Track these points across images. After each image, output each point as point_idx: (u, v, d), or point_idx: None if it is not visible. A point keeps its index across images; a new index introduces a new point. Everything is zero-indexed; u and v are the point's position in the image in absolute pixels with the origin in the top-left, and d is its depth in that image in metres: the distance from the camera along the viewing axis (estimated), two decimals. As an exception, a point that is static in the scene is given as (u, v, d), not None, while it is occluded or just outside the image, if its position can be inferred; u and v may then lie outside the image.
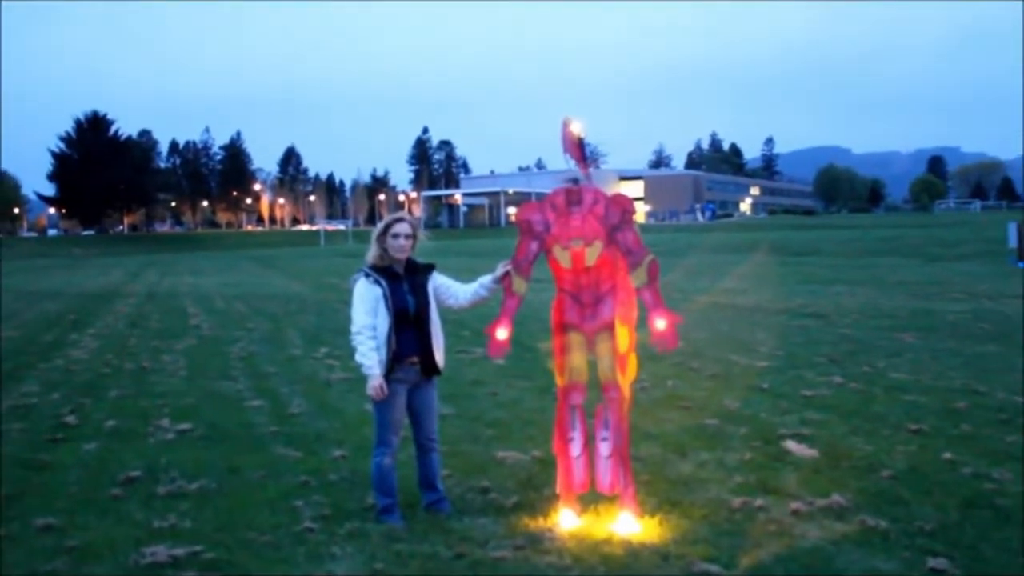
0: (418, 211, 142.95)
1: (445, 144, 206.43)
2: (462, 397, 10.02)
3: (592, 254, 5.51)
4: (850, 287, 24.85)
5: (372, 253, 5.89)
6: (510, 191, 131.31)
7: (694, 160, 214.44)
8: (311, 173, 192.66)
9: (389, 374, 5.74)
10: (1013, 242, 32.88)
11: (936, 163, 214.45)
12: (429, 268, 6.02)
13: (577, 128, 5.84)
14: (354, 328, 5.77)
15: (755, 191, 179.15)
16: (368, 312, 5.74)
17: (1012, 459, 7.04)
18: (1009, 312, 17.46)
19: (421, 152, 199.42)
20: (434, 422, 6.08)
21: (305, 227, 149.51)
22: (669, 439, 7.86)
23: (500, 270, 5.90)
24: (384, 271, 5.83)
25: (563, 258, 5.59)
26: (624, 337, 5.67)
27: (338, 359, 12.75)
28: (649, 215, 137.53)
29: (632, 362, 5.80)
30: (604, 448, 5.68)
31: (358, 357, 5.74)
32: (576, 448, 5.77)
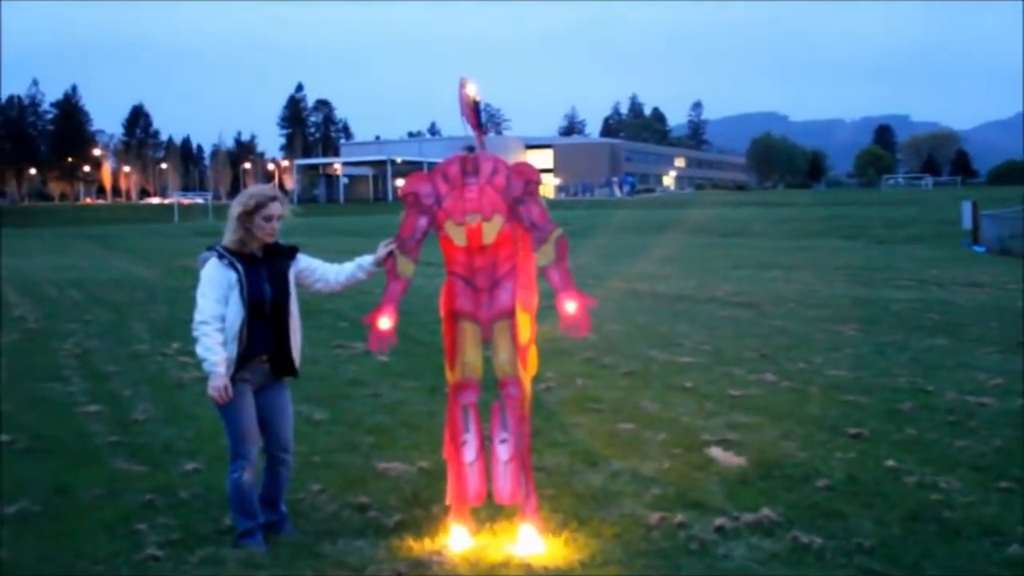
0: (291, 183, 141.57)
1: (323, 104, 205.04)
2: (338, 399, 9.97)
3: (490, 231, 5.48)
4: (786, 273, 25.38)
5: (231, 235, 5.69)
6: (398, 160, 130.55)
7: (611, 127, 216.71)
8: (163, 137, 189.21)
9: (235, 374, 5.61)
10: (967, 223, 33.94)
11: (884, 133, 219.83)
12: (292, 251, 5.91)
13: (472, 90, 5.81)
14: (199, 316, 5.56)
15: (680, 162, 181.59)
16: (219, 300, 5.57)
17: (961, 466, 7.25)
18: (962, 301, 18.02)
19: (294, 113, 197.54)
20: (289, 429, 6.01)
21: (156, 200, 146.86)
22: (578, 447, 7.92)
23: (382, 250, 5.85)
24: (240, 254, 5.67)
25: (457, 235, 5.54)
26: (525, 326, 5.67)
27: (192, 356, 12.50)
28: (559, 189, 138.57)
29: (533, 355, 5.80)
30: (503, 451, 5.65)
31: (201, 351, 5.55)
32: (470, 453, 5.73)
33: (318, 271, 6.00)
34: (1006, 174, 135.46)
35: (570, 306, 5.43)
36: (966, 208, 34.36)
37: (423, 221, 5.67)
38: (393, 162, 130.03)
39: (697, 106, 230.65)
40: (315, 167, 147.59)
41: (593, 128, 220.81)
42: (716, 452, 7.67)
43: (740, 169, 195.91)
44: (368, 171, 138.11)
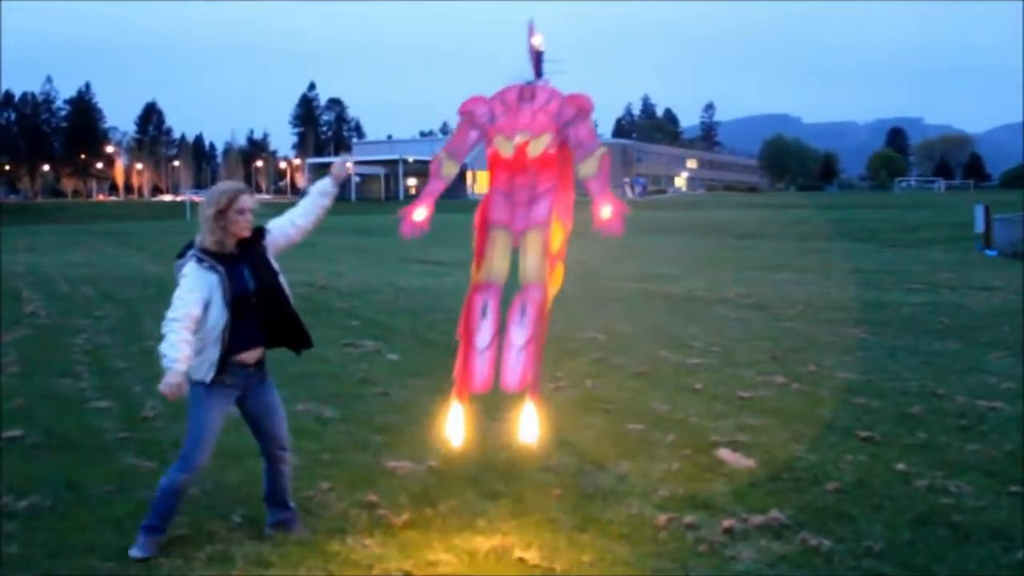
0: (303, 180, 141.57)
1: (335, 103, 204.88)
2: (348, 397, 9.98)
3: (536, 146, 5.64)
4: (797, 275, 25.33)
5: (209, 237, 5.57)
6: (410, 159, 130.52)
7: (623, 127, 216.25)
8: (175, 134, 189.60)
9: (216, 380, 5.52)
10: (980, 227, 33.83)
11: (896, 136, 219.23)
12: (261, 233, 5.79)
13: (538, 40, 5.99)
14: (171, 314, 5.39)
15: (692, 164, 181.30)
16: (197, 302, 5.43)
17: (972, 470, 7.23)
18: (973, 305, 17.97)
19: (307, 112, 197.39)
20: (283, 427, 5.95)
21: (168, 197, 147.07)
22: (586, 447, 7.92)
23: (337, 168, 5.98)
24: (219, 255, 5.55)
25: (504, 147, 5.72)
26: (557, 236, 5.79)
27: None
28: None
29: (560, 271, 5.93)
30: (517, 336, 5.61)
31: (164, 347, 5.35)
32: (484, 339, 5.72)
33: (287, 227, 5.94)
34: (1019, 178, 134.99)
35: (606, 210, 5.50)
36: (979, 212, 34.23)
37: (474, 135, 5.88)
38: (405, 161, 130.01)
39: (709, 107, 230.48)
40: (327, 165, 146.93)
41: (605, 128, 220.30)
42: (725, 454, 7.65)
43: (752, 171, 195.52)
44: (380, 170, 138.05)
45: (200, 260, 5.53)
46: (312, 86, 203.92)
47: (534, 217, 5.69)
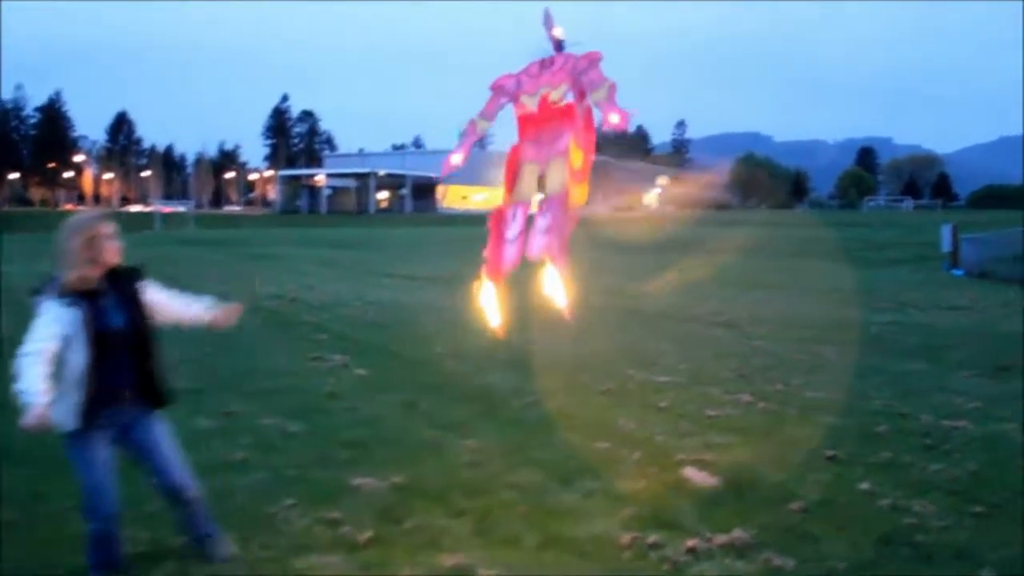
0: (273, 192, 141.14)
1: (307, 115, 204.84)
2: (315, 412, 9.92)
3: (556, 94, 6.19)
4: (767, 293, 25.40)
5: (72, 271, 5.27)
6: (381, 173, 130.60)
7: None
8: (146, 144, 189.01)
9: (84, 425, 5.20)
10: (947, 246, 34.04)
11: (866, 155, 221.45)
12: (137, 274, 5.57)
13: (559, 32, 6.45)
14: (25, 349, 5.09)
15: (663, 181, 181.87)
16: (54, 337, 5.12)
17: (935, 490, 7.27)
18: (940, 325, 18.05)
19: (279, 124, 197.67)
20: (175, 464, 5.56)
21: (137, 208, 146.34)
22: (552, 464, 7.90)
23: (222, 315, 5.89)
24: (82, 291, 5.26)
25: (530, 103, 6.30)
26: (578, 157, 6.18)
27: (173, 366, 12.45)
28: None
29: (583, 188, 6.25)
30: (542, 222, 5.91)
31: (21, 384, 5.00)
32: (513, 230, 6.11)
33: (167, 308, 5.71)
34: (986, 198, 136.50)
35: (614, 116, 5.82)
36: (946, 232, 34.43)
37: (504, 99, 6.45)
38: (376, 175, 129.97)
39: (681, 125, 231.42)
40: (298, 178, 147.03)
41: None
42: (690, 472, 7.66)
43: (723, 188, 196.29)
44: (352, 183, 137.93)
45: (61, 295, 5.24)
46: (285, 98, 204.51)
47: (556, 149, 6.18)
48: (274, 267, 31.65)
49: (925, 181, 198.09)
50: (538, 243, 5.87)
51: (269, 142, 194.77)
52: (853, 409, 10.21)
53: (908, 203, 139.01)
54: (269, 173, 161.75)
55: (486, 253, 6.16)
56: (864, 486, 7.30)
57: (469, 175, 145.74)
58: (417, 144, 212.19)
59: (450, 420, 9.43)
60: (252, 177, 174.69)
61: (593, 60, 6.20)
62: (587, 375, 12.01)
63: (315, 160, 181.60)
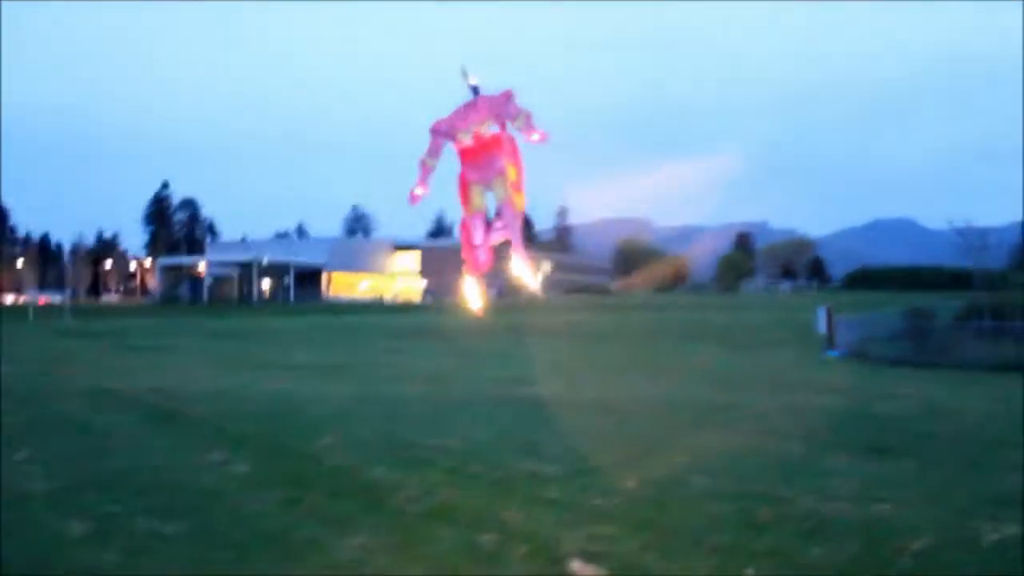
0: (153, 281, 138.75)
1: (188, 203, 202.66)
2: (193, 511, 9.65)
3: (485, 129, 7.90)
4: (649, 377, 25.64)
5: None
6: (264, 261, 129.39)
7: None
8: (20, 232, 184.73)
9: None
10: (823, 328, 34.91)
11: (744, 239, 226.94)
12: None
13: (474, 80, 8.09)
14: None
15: (547, 267, 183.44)
16: None
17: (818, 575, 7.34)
18: (818, 406, 18.39)
19: (159, 211, 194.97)
20: None
21: (10, 298, 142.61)
22: (435, 560, 7.81)
23: None
24: None
25: (466, 138, 7.94)
26: (512, 172, 8.17)
27: (40, 463, 12.03)
28: (427, 292, 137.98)
29: (521, 197, 8.35)
30: (499, 223, 8.30)
31: None
32: (478, 236, 8.28)
33: None
34: (859, 279, 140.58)
35: (535, 136, 7.99)
36: (821, 314, 35.33)
37: (440, 140, 8.06)
38: (259, 263, 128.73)
39: (563, 212, 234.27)
40: (179, 267, 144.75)
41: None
42: (577, 566, 7.63)
43: (606, 273, 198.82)
44: (234, 271, 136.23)
45: None
46: (166, 184, 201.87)
47: (495, 169, 8.06)
48: (154, 359, 31.00)
49: (800, 264, 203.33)
50: (498, 237, 8.24)
51: (149, 229, 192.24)
52: (735, 494, 10.28)
53: (787, 285, 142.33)
54: (148, 262, 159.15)
55: (463, 255, 8.40)
56: (748, 573, 7.33)
57: (354, 262, 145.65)
58: (301, 232, 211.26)
59: (334, 515, 9.27)
60: (131, 266, 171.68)
61: (509, 96, 7.97)
62: (473, 466, 11.93)
63: (197, 247, 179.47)
